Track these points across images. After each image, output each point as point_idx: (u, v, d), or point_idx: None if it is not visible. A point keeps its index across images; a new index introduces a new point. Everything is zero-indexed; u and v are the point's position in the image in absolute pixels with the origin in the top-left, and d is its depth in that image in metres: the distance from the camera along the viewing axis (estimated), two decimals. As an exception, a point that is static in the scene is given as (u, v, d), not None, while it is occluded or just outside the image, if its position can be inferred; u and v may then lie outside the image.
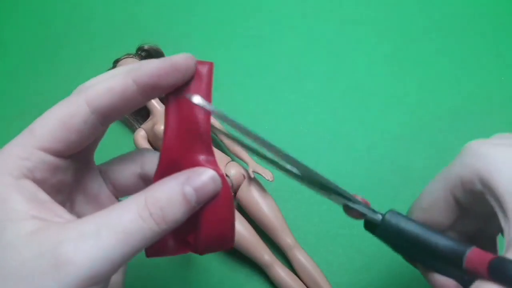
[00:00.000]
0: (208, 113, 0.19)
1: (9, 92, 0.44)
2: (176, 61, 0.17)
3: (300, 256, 0.34)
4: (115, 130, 0.40)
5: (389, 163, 0.40)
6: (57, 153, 0.17)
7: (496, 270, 0.19)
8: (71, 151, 0.18)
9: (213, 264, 0.36)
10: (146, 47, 0.40)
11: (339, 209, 0.38)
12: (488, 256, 0.19)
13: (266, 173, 0.35)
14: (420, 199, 0.23)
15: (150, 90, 0.18)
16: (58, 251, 0.15)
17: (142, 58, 0.41)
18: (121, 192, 0.22)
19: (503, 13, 0.49)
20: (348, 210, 0.23)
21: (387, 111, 0.43)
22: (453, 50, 0.46)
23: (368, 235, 0.37)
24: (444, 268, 0.22)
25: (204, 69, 0.19)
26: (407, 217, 0.22)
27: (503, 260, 0.18)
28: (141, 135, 0.37)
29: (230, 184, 0.35)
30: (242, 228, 0.34)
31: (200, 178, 0.17)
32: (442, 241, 0.21)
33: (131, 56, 0.40)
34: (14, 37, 0.48)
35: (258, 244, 0.34)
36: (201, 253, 0.20)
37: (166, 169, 0.19)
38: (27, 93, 0.44)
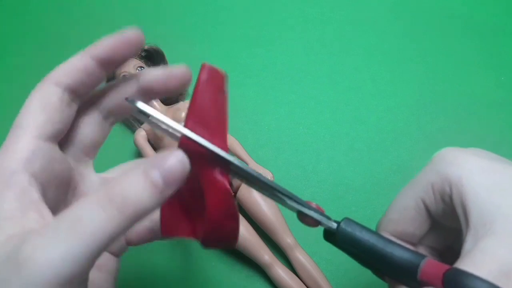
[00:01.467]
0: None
1: (9, 92, 0.44)
2: (126, 34, 0.19)
3: (300, 256, 0.34)
4: (115, 130, 0.40)
5: (389, 163, 0.40)
6: (48, 137, 0.18)
7: (450, 282, 0.18)
8: (58, 132, 0.18)
9: (213, 264, 0.36)
10: (146, 47, 0.40)
11: (339, 210, 0.39)
12: (443, 267, 0.18)
13: (266, 173, 0.35)
14: (389, 210, 0.22)
15: (107, 63, 0.19)
16: (20, 251, 0.14)
17: (142, 58, 0.41)
18: None
19: (502, 13, 0.49)
20: (302, 217, 0.22)
21: (387, 111, 0.43)
22: (453, 50, 0.46)
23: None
24: (404, 279, 0.20)
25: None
26: (363, 226, 0.21)
27: (457, 271, 0.18)
28: (141, 135, 0.38)
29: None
30: (242, 228, 0.34)
31: (165, 161, 0.16)
32: (397, 251, 0.20)
33: (131, 56, 0.40)
34: (14, 37, 0.48)
35: (258, 244, 0.34)
36: (203, 245, 0.20)
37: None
38: (27, 93, 0.44)
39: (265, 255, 0.34)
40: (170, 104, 0.40)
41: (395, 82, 0.44)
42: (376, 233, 0.21)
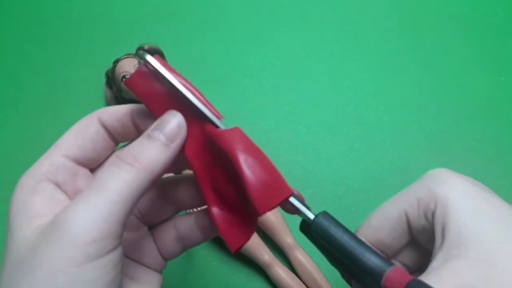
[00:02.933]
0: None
1: (9, 92, 0.44)
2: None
3: (300, 256, 0.34)
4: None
5: (389, 163, 0.40)
6: (76, 159, 0.20)
7: None
8: (88, 159, 0.20)
9: (213, 264, 0.36)
10: (146, 47, 0.40)
11: (339, 210, 0.38)
12: (408, 277, 0.18)
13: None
14: (371, 217, 0.22)
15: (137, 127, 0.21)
16: (57, 217, 0.17)
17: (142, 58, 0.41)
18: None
19: (503, 13, 0.49)
20: (284, 203, 0.21)
21: (387, 111, 0.43)
22: (453, 50, 0.46)
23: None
24: (369, 284, 0.20)
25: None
26: (339, 223, 0.21)
27: (420, 283, 0.18)
28: None
29: None
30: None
31: (162, 120, 0.19)
32: (367, 254, 0.19)
33: (131, 56, 0.40)
34: (14, 37, 0.48)
35: (258, 244, 0.34)
36: (261, 211, 0.19)
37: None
38: (26, 93, 0.44)
39: (265, 255, 0.34)
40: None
41: (395, 82, 0.44)
42: (351, 232, 0.20)
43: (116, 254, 0.17)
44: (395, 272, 0.19)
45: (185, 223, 0.22)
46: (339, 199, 0.39)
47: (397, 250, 0.22)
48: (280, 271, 0.33)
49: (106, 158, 0.21)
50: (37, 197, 0.18)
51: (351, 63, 0.45)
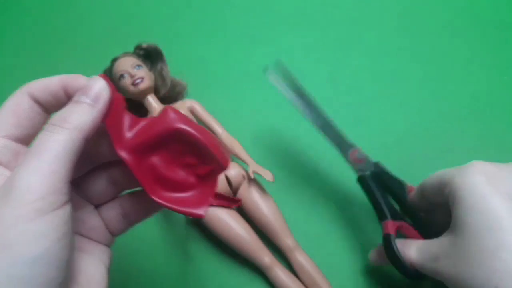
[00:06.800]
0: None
1: (7, 92, 0.44)
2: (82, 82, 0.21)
3: (301, 258, 0.34)
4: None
5: (390, 163, 0.40)
6: (16, 139, 0.21)
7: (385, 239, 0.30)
8: (28, 135, 0.21)
9: (213, 266, 0.35)
10: (144, 45, 0.40)
11: (340, 210, 0.38)
12: (396, 225, 0.31)
13: (267, 173, 0.35)
14: (424, 181, 0.31)
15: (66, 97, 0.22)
16: (2, 188, 0.18)
17: (140, 56, 0.40)
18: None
19: (506, 11, 0.48)
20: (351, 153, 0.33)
21: (387, 111, 0.42)
22: (455, 50, 0.46)
23: (369, 236, 0.37)
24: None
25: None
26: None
27: (390, 236, 0.30)
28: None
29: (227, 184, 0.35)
30: (242, 230, 0.34)
31: (88, 86, 0.20)
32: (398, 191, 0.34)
33: (129, 54, 0.39)
34: (12, 36, 0.48)
35: (258, 246, 0.34)
36: (225, 164, 0.22)
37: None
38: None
39: (265, 257, 0.33)
40: (169, 103, 0.40)
41: (397, 82, 0.44)
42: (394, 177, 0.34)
43: (64, 211, 0.18)
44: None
45: (129, 202, 0.24)
46: (340, 201, 0.38)
47: (433, 207, 0.31)
48: (281, 273, 0.33)
49: None
50: None
51: (351, 63, 0.45)
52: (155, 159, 0.22)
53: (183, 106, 0.38)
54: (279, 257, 0.35)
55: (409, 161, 0.40)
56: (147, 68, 0.39)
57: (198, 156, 0.22)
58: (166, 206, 0.22)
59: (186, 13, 0.48)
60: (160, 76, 0.40)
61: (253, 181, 0.35)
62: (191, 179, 0.23)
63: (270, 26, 0.47)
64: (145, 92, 0.38)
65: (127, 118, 0.22)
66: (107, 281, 0.23)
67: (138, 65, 0.38)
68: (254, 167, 0.35)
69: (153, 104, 0.38)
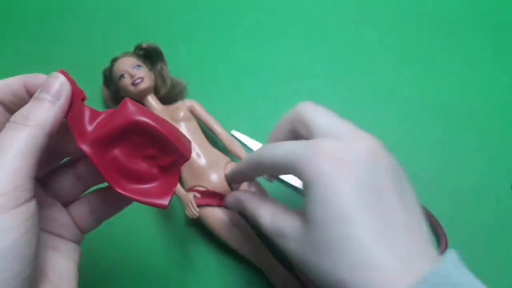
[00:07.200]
0: None
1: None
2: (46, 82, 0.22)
3: (301, 258, 0.34)
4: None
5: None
6: None
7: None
8: None
9: (213, 267, 0.35)
10: (144, 45, 0.40)
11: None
12: None
13: (267, 173, 0.35)
14: (257, 155, 0.29)
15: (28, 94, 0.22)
16: None
17: (140, 56, 0.40)
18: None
19: (505, 11, 0.48)
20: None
21: (387, 111, 0.42)
22: (454, 50, 0.46)
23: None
24: None
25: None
26: None
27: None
28: None
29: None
30: (241, 231, 0.34)
31: (48, 83, 0.21)
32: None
33: (129, 54, 0.39)
34: (13, 36, 0.47)
35: (259, 248, 0.34)
36: (188, 155, 0.23)
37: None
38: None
39: (265, 257, 0.33)
40: (169, 104, 0.39)
41: (396, 82, 0.44)
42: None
43: (28, 207, 0.19)
44: None
45: (96, 198, 0.25)
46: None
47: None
48: (280, 274, 0.33)
49: None
50: None
51: (351, 63, 0.45)
52: (117, 152, 0.22)
53: (183, 106, 0.38)
54: (279, 258, 0.35)
55: (407, 160, 0.40)
56: (147, 68, 0.39)
57: (159, 147, 0.22)
58: (130, 197, 0.22)
59: (186, 14, 0.48)
60: (160, 76, 0.40)
61: (253, 181, 0.35)
62: (154, 171, 0.23)
63: (270, 26, 0.47)
64: (145, 92, 0.38)
65: (87, 112, 0.22)
66: (77, 277, 0.23)
67: (138, 65, 0.38)
68: (254, 167, 0.35)
69: (153, 104, 0.38)
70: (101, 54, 0.42)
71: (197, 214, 0.33)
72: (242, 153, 0.36)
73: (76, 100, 0.21)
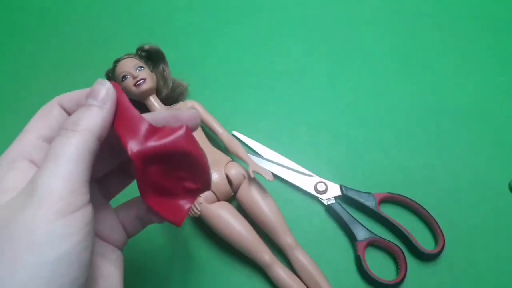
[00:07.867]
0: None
1: (9, 92, 0.44)
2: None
3: (301, 256, 0.34)
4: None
5: (389, 162, 0.40)
6: (46, 139, 0.22)
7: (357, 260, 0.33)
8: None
9: (213, 264, 0.36)
10: (146, 47, 0.40)
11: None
12: (364, 244, 0.34)
13: (266, 173, 0.35)
14: None
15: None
16: (25, 188, 0.19)
17: (142, 58, 0.41)
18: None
19: (502, 12, 0.49)
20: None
21: (387, 111, 0.43)
22: (453, 50, 0.46)
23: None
24: None
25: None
26: None
27: (361, 259, 0.33)
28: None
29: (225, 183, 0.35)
30: (242, 228, 0.34)
31: (95, 90, 0.21)
32: None
33: (131, 56, 0.40)
34: (14, 37, 0.48)
35: (259, 244, 0.34)
36: (210, 187, 0.24)
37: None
38: (27, 93, 0.44)
39: (265, 255, 0.34)
40: (171, 104, 0.40)
41: (395, 82, 0.44)
42: None
43: (85, 212, 0.19)
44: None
45: (142, 204, 0.25)
46: (339, 199, 0.39)
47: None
48: (280, 271, 0.33)
49: None
50: (12, 172, 0.20)
51: (351, 63, 0.46)
52: (157, 166, 0.23)
53: (184, 106, 0.39)
54: (279, 255, 0.35)
55: (407, 160, 0.40)
56: (149, 69, 0.40)
57: (193, 173, 0.23)
58: (154, 210, 0.23)
59: (187, 15, 0.49)
60: (162, 77, 0.40)
61: (253, 180, 0.36)
62: (179, 189, 0.24)
63: (271, 27, 0.48)
64: (147, 93, 0.38)
65: (144, 123, 0.22)
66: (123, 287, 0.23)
67: (140, 67, 0.39)
68: (254, 166, 0.35)
69: (155, 104, 0.39)
70: (104, 56, 0.42)
71: (199, 213, 0.34)
72: (242, 153, 0.37)
73: (122, 106, 0.22)
